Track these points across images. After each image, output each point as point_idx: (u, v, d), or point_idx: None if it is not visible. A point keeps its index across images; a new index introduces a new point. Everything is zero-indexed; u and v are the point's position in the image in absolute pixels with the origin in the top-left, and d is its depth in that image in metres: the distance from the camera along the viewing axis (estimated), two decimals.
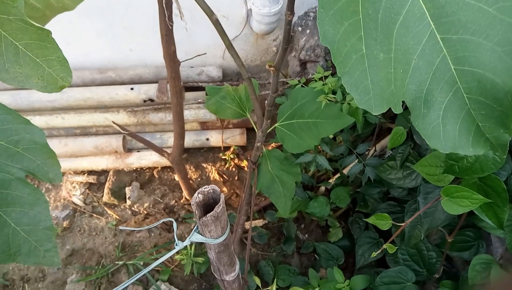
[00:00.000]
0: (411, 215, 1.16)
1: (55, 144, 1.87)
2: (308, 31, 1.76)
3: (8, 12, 0.40)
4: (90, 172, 2.00)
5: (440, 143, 0.37)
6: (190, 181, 1.94)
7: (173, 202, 1.96)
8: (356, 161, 1.36)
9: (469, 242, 1.20)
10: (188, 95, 1.96)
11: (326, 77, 1.21)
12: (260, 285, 1.37)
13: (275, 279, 1.54)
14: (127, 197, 1.93)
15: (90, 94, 1.85)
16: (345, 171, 1.52)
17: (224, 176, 2.03)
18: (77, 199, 1.94)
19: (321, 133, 1.11)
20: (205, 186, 0.64)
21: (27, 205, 0.64)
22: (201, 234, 0.70)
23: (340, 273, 1.30)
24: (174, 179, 2.01)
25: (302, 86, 1.30)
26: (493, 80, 0.34)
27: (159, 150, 1.54)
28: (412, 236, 1.22)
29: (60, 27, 1.73)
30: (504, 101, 0.34)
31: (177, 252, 1.63)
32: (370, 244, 1.50)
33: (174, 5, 0.98)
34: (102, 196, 1.95)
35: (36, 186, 1.86)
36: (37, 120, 1.86)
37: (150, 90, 1.85)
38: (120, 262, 1.77)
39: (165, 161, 1.90)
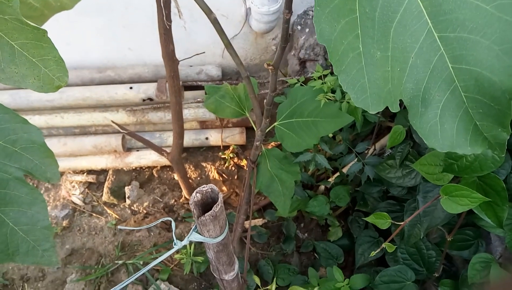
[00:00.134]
0: (411, 214, 1.15)
1: (54, 144, 1.87)
2: (307, 29, 1.75)
3: (4, 11, 0.39)
4: (90, 172, 1.99)
5: (438, 142, 0.37)
6: (190, 180, 1.94)
7: (172, 201, 1.96)
8: (356, 160, 1.36)
9: (469, 241, 1.20)
10: (188, 94, 1.96)
11: (325, 76, 1.21)
12: (259, 284, 1.37)
13: (275, 278, 1.54)
14: (126, 196, 1.93)
15: (89, 94, 1.85)
16: (344, 170, 1.52)
17: (223, 175, 2.03)
18: (77, 198, 1.94)
19: (320, 132, 1.11)
20: (203, 186, 0.64)
21: (25, 205, 0.64)
22: (200, 234, 0.70)
23: (340, 272, 1.30)
24: (174, 178, 2.01)
25: (301, 85, 1.30)
26: (491, 78, 0.33)
27: (159, 149, 1.53)
28: (412, 235, 1.22)
29: (58, 26, 1.73)
30: (502, 99, 0.33)
31: (177, 251, 1.63)
32: (370, 243, 1.50)
33: (173, 4, 0.98)
34: (102, 195, 1.95)
35: (35, 185, 1.86)
36: (37, 120, 1.86)
37: (149, 89, 1.85)
38: (120, 262, 1.77)
39: (164, 160, 1.90)
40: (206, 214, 0.63)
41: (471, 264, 1.06)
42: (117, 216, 1.91)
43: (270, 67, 0.73)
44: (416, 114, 0.37)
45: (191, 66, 1.98)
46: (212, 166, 2.03)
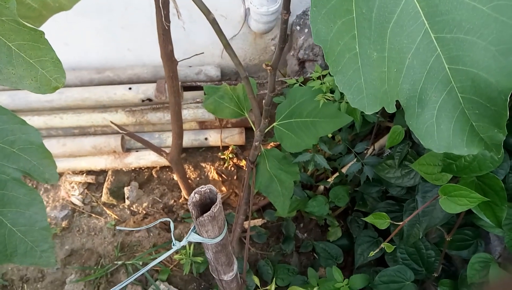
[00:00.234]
0: (410, 214, 1.15)
1: (53, 144, 1.87)
2: (306, 30, 1.75)
3: (1, 13, 0.39)
4: (89, 172, 1.99)
5: (434, 142, 0.37)
6: (189, 180, 1.94)
7: (172, 201, 1.96)
8: (355, 160, 1.36)
9: (468, 240, 1.20)
10: (187, 94, 1.96)
11: (324, 76, 1.21)
12: (259, 285, 1.37)
13: (274, 279, 1.54)
14: (126, 197, 1.93)
15: (88, 94, 1.85)
16: (343, 170, 1.52)
17: (223, 175, 2.03)
18: (76, 199, 1.94)
19: (319, 132, 1.11)
20: (201, 186, 0.64)
21: (23, 206, 0.64)
22: (199, 234, 0.70)
23: (339, 272, 1.30)
24: (173, 179, 2.01)
25: (300, 85, 1.30)
26: (487, 79, 0.33)
27: (158, 150, 1.53)
28: (411, 235, 1.22)
29: (57, 26, 1.73)
30: (498, 100, 0.33)
31: (176, 252, 1.63)
32: (369, 243, 1.50)
33: (172, 5, 0.98)
34: (101, 196, 1.95)
35: (34, 186, 1.87)
36: (36, 120, 1.86)
37: (148, 90, 1.85)
38: (119, 262, 1.77)
39: (163, 161, 1.90)
40: (204, 215, 0.63)
41: (470, 264, 1.06)
42: (116, 217, 1.91)
43: (269, 68, 0.73)
44: (413, 115, 0.37)
45: (190, 66, 1.98)
46: (211, 166, 2.03)
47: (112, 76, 1.93)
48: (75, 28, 1.80)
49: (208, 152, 2.07)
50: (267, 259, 1.68)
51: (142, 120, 1.89)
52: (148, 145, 1.58)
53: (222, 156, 2.02)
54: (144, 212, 1.92)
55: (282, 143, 1.13)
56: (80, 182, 1.98)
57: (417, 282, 1.26)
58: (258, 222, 1.81)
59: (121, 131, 1.87)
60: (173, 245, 0.70)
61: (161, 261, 1.75)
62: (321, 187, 1.69)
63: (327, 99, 1.11)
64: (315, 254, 1.77)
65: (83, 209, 1.93)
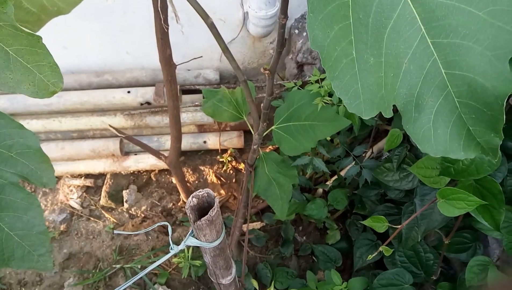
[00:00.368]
0: (408, 217, 1.15)
1: (52, 148, 1.87)
2: (304, 33, 1.76)
3: None
4: (87, 176, 1.99)
5: (431, 147, 0.37)
6: (188, 184, 1.94)
7: (170, 205, 1.96)
8: (353, 163, 1.36)
9: (466, 243, 1.20)
10: (185, 98, 1.96)
11: (322, 79, 1.21)
12: (257, 288, 1.37)
13: (273, 282, 1.54)
14: (124, 200, 1.93)
15: (87, 98, 1.85)
16: (342, 173, 1.52)
17: (221, 178, 2.02)
18: (74, 202, 1.94)
19: (317, 136, 1.11)
20: (199, 190, 0.64)
21: (20, 210, 0.64)
22: (196, 238, 0.70)
23: (338, 275, 1.30)
24: (172, 182, 2.01)
25: (298, 88, 1.30)
26: (483, 84, 0.34)
27: (156, 153, 1.53)
28: (410, 238, 1.22)
29: (56, 30, 1.73)
30: (494, 105, 0.34)
31: (175, 255, 1.63)
32: (368, 246, 1.50)
33: (170, 8, 0.98)
34: (100, 199, 1.94)
35: (33, 190, 1.86)
36: (34, 124, 1.86)
37: (147, 93, 1.85)
38: (118, 266, 1.77)
39: (162, 164, 1.90)
40: (202, 219, 0.63)
41: (469, 267, 1.06)
42: (115, 220, 1.91)
43: (267, 72, 0.73)
44: (410, 119, 0.37)
45: (189, 70, 1.98)
46: (210, 169, 2.03)
47: (110, 79, 1.93)
48: (73, 32, 1.80)
49: (207, 155, 2.07)
50: (266, 262, 1.67)
51: (141, 123, 1.89)
52: (147, 149, 1.58)
53: (220, 159, 2.02)
54: (143, 215, 1.92)
55: (280, 147, 1.13)
56: (78, 186, 1.97)
57: (416, 285, 1.26)
58: (257, 225, 1.81)
59: (119, 135, 1.86)
60: (171, 249, 0.70)
61: (159, 265, 1.75)
62: (320, 190, 1.69)
63: (325, 103, 1.11)
64: (314, 257, 1.77)
65: (81, 212, 1.92)
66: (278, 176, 1.18)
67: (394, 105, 0.39)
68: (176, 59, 1.13)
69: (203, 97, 1.27)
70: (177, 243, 1.81)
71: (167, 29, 0.99)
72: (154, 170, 2.01)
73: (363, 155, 1.43)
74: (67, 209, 1.92)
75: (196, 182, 2.01)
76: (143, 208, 1.93)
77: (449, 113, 0.36)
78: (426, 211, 1.09)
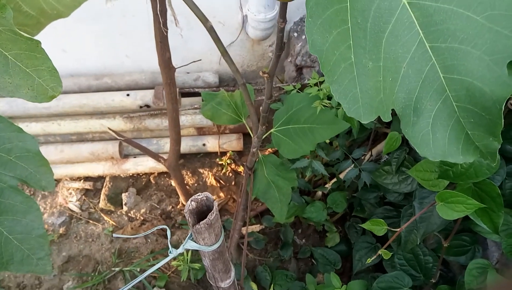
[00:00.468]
0: (407, 220, 1.15)
1: (51, 151, 1.87)
2: (303, 36, 1.76)
3: None
4: (87, 178, 1.99)
5: (430, 151, 0.37)
6: (187, 186, 1.94)
7: (169, 207, 1.95)
8: (352, 166, 1.36)
9: (465, 246, 1.20)
10: (185, 100, 1.96)
11: (321, 82, 1.21)
12: None
13: (272, 285, 1.53)
14: (123, 203, 1.92)
15: (86, 101, 1.85)
16: (341, 176, 1.52)
17: (221, 181, 2.02)
18: (74, 205, 1.94)
19: (316, 139, 1.11)
20: (198, 194, 0.64)
21: (19, 213, 0.64)
22: (195, 242, 0.70)
23: (337, 278, 1.30)
24: (171, 185, 2.00)
25: (297, 91, 1.30)
26: (482, 88, 0.34)
27: (155, 156, 1.53)
28: (409, 241, 1.22)
29: (55, 33, 1.73)
30: (493, 109, 0.34)
31: (174, 258, 1.62)
32: (367, 249, 1.50)
33: (169, 12, 0.98)
34: (99, 202, 1.94)
35: (31, 193, 1.86)
36: (33, 127, 1.86)
37: (146, 96, 1.85)
38: (117, 269, 1.76)
39: (161, 167, 1.90)
40: (201, 223, 0.63)
41: (468, 270, 1.06)
42: (114, 223, 1.90)
43: (266, 75, 0.73)
44: (408, 123, 0.37)
45: (188, 72, 1.98)
46: (209, 172, 2.03)
47: (110, 82, 1.93)
48: (73, 35, 1.80)
49: (206, 158, 2.07)
50: (265, 265, 1.67)
51: (140, 126, 1.89)
52: (146, 151, 1.58)
53: (220, 162, 2.02)
54: (142, 218, 1.92)
55: (279, 150, 1.13)
56: (77, 189, 1.97)
57: (415, 288, 1.26)
58: (256, 228, 1.80)
59: (119, 138, 1.87)
60: (170, 252, 0.70)
61: (158, 268, 1.75)
62: (319, 193, 1.69)
63: (324, 106, 1.11)
64: (313, 260, 1.77)
65: (80, 215, 1.92)
66: (277, 179, 1.18)
67: (392, 109, 0.39)
68: (175, 62, 1.14)
69: (202, 100, 1.27)
70: (176, 246, 1.81)
71: (166, 32, 1.00)
72: (153, 173, 2.01)
73: (362, 158, 1.43)
74: (66, 212, 1.92)
75: (195, 184, 2.01)
76: (142, 211, 1.93)
77: (447, 117, 0.36)
78: (425, 214, 1.09)
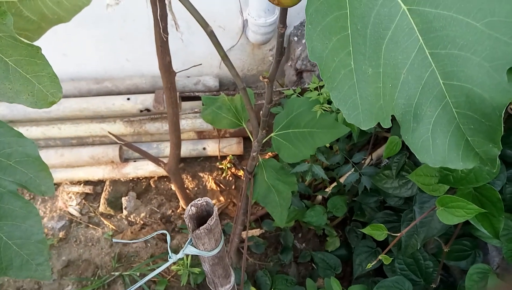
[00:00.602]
0: (408, 224, 1.15)
1: (51, 155, 1.87)
2: (303, 41, 1.76)
3: None
4: (87, 182, 1.99)
5: (430, 157, 0.37)
6: (187, 190, 1.94)
7: (169, 211, 1.95)
8: (352, 170, 1.36)
9: (466, 251, 1.19)
10: (185, 104, 1.96)
11: (321, 87, 1.21)
12: None
13: (272, 289, 1.53)
14: (123, 207, 1.92)
15: (86, 105, 1.85)
16: (341, 180, 1.52)
17: (221, 185, 2.02)
18: (73, 209, 1.93)
19: (316, 143, 1.11)
20: (198, 199, 0.64)
21: (19, 219, 0.63)
22: (195, 247, 0.70)
23: (337, 282, 1.30)
24: (171, 189, 2.00)
25: (297, 96, 1.30)
26: (481, 95, 0.34)
27: (155, 160, 1.53)
28: (409, 245, 1.22)
29: (56, 37, 1.73)
30: (492, 116, 0.34)
31: (174, 263, 1.62)
32: (368, 253, 1.50)
33: (170, 17, 0.98)
34: (99, 206, 1.94)
35: (31, 197, 1.86)
36: (34, 131, 1.86)
37: (146, 100, 1.85)
38: (117, 273, 1.76)
39: (161, 171, 1.89)
40: (201, 228, 0.63)
41: (468, 274, 1.06)
42: (113, 227, 1.90)
43: (266, 80, 0.73)
44: (408, 130, 0.37)
45: (188, 76, 1.98)
46: (209, 176, 2.03)
47: (110, 86, 1.94)
48: (73, 39, 1.81)
49: (206, 162, 2.07)
50: (265, 270, 1.67)
51: (140, 130, 1.89)
52: (146, 155, 1.58)
53: (220, 166, 2.02)
54: (142, 222, 1.91)
55: (280, 154, 1.13)
56: (77, 193, 1.97)
57: None
58: (256, 232, 1.80)
59: (119, 142, 1.87)
60: (170, 257, 0.70)
61: (158, 272, 1.75)
62: (319, 197, 1.69)
63: (324, 110, 1.11)
64: (313, 264, 1.76)
65: (80, 219, 1.92)
66: (277, 183, 1.18)
67: (392, 115, 0.39)
68: (175, 66, 1.14)
69: (203, 104, 1.27)
70: (176, 250, 1.81)
71: (166, 37, 1.00)
72: (154, 177, 2.01)
73: (362, 162, 1.43)
74: (66, 216, 1.92)
75: (196, 188, 2.01)
76: (142, 215, 1.92)
77: (447, 123, 0.36)
78: (425, 219, 1.08)
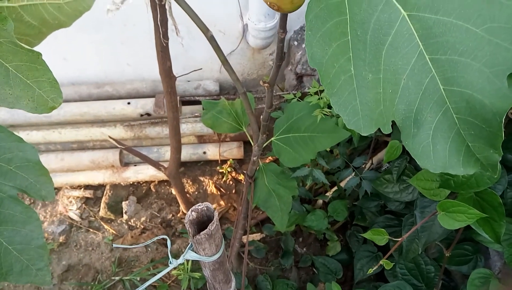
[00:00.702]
0: (409, 229, 1.15)
1: (51, 159, 1.87)
2: (303, 45, 1.77)
3: None
4: (87, 187, 1.99)
5: (431, 163, 0.37)
6: (187, 194, 1.93)
7: (170, 216, 1.95)
8: (353, 174, 1.36)
9: (467, 256, 1.19)
10: (185, 108, 1.96)
11: (321, 91, 1.21)
12: None
13: None
14: (123, 211, 1.92)
15: (87, 109, 1.85)
16: (342, 184, 1.52)
17: (221, 189, 2.02)
18: (74, 213, 1.93)
19: (317, 147, 1.11)
20: (198, 204, 0.64)
21: (19, 224, 0.63)
22: (195, 252, 0.69)
23: (339, 287, 1.29)
24: (171, 193, 2.00)
25: (298, 100, 1.30)
26: (482, 100, 0.33)
27: (156, 164, 1.53)
28: (410, 250, 1.22)
29: (56, 42, 1.74)
30: (493, 122, 0.33)
31: (174, 268, 1.61)
32: (369, 258, 1.49)
33: (170, 21, 0.98)
34: (99, 210, 1.94)
35: (31, 201, 1.85)
36: (34, 135, 1.86)
37: (147, 104, 1.85)
38: (117, 278, 1.76)
39: (162, 175, 1.89)
40: (201, 233, 0.63)
41: (470, 279, 1.05)
42: (114, 232, 1.90)
43: (266, 85, 0.73)
44: (409, 135, 0.37)
45: (189, 81, 1.99)
46: (209, 180, 2.03)
47: (111, 90, 1.94)
48: (74, 44, 1.81)
49: (207, 166, 2.07)
50: (266, 274, 1.66)
51: (141, 134, 1.89)
52: (146, 160, 1.58)
53: (220, 170, 2.02)
54: (142, 226, 1.91)
55: (280, 158, 1.13)
56: (78, 197, 1.97)
57: None
58: (257, 236, 1.80)
59: (119, 146, 1.87)
60: (170, 263, 0.69)
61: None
62: (320, 201, 1.69)
63: (324, 114, 1.11)
64: (314, 269, 1.75)
65: (80, 224, 1.91)
66: (278, 187, 1.18)
67: (392, 120, 0.39)
68: (176, 70, 1.14)
69: (203, 109, 1.27)
70: (177, 254, 1.80)
71: (167, 43, 1.00)
72: (154, 181, 2.01)
73: (363, 166, 1.43)
74: (66, 220, 1.91)
75: (196, 193, 2.01)
76: (143, 219, 1.92)
77: (448, 129, 0.36)
78: (426, 223, 1.08)
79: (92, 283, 1.75)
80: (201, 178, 2.03)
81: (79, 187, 1.98)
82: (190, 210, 0.63)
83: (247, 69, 2.04)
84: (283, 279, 1.67)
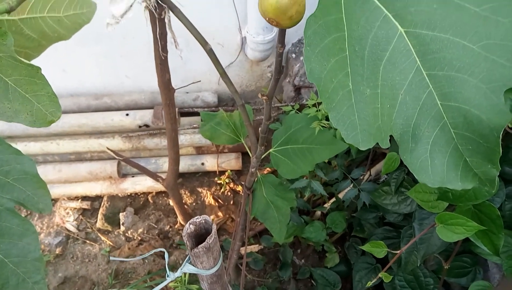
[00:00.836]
0: (407, 241, 1.15)
1: (49, 170, 1.86)
2: (301, 57, 1.78)
3: None
4: (84, 198, 1.98)
5: (429, 177, 0.37)
6: (185, 206, 1.93)
7: (167, 227, 1.94)
8: (351, 186, 1.36)
9: (466, 268, 1.18)
10: (184, 120, 1.97)
11: (319, 103, 1.22)
12: None
13: None
14: (121, 223, 1.91)
15: (85, 120, 1.85)
16: (340, 196, 1.52)
17: (219, 200, 2.01)
18: (71, 225, 1.92)
19: (315, 159, 1.11)
20: (197, 217, 0.63)
21: (16, 237, 0.63)
22: (193, 265, 0.69)
23: None
24: (169, 204, 1.99)
25: (296, 112, 1.31)
26: (479, 116, 0.34)
27: (153, 176, 1.53)
28: (409, 262, 1.21)
29: (56, 54, 1.74)
30: (490, 137, 0.34)
31: (171, 280, 1.60)
32: (367, 270, 1.48)
33: (169, 34, 0.99)
34: (96, 222, 1.93)
35: (28, 212, 1.85)
36: (32, 146, 1.86)
37: (145, 116, 1.85)
38: None
39: (159, 186, 1.89)
40: (199, 246, 0.62)
41: None
42: (111, 243, 1.88)
43: (265, 97, 0.74)
44: (407, 150, 0.38)
45: (187, 92, 1.99)
46: (208, 191, 2.02)
47: (109, 102, 1.94)
48: (73, 56, 1.82)
49: (205, 177, 2.06)
50: (264, 286, 1.65)
51: (139, 145, 1.89)
52: (144, 171, 1.58)
53: (218, 181, 2.02)
54: (139, 238, 1.90)
55: (278, 170, 1.13)
56: (75, 208, 1.96)
57: None
58: (255, 248, 1.79)
59: (117, 157, 1.87)
60: (167, 276, 0.69)
61: None
62: (318, 213, 1.68)
63: (322, 126, 1.11)
64: (312, 281, 1.74)
65: (77, 235, 1.90)
66: (276, 199, 1.18)
67: (391, 135, 0.39)
68: (174, 82, 1.14)
69: (201, 120, 1.27)
70: (174, 266, 1.79)
71: (166, 56, 1.01)
72: (152, 192, 2.00)
73: (361, 177, 1.43)
74: (63, 232, 1.90)
75: (194, 204, 2.00)
76: (140, 230, 1.91)
77: (445, 144, 0.36)
78: (425, 235, 1.08)
79: None
80: (199, 189, 2.03)
81: (76, 198, 1.97)
82: (188, 223, 0.63)
83: (246, 81, 2.05)
84: None
